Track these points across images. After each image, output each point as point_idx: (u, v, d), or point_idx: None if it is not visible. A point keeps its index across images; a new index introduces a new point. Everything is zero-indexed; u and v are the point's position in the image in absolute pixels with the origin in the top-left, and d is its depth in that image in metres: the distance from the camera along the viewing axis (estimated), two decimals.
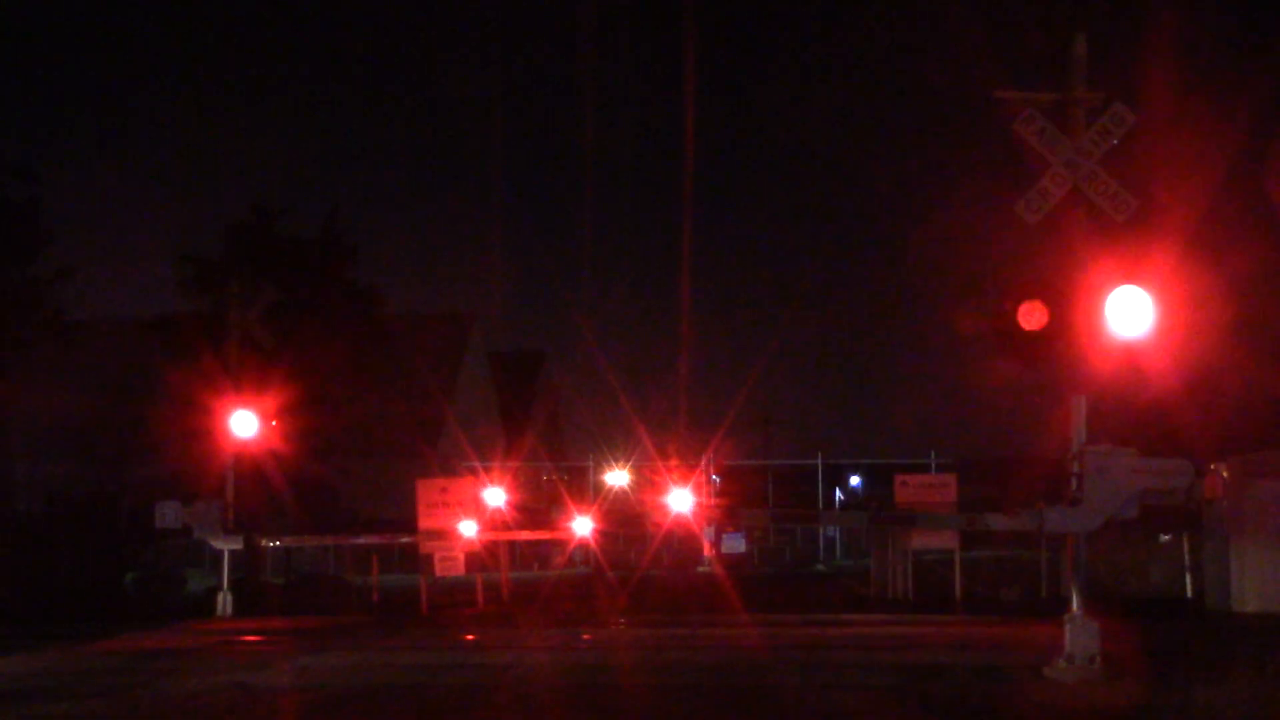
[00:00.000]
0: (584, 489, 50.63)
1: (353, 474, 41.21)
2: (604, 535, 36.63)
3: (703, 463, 48.28)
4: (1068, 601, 15.32)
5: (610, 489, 51.10)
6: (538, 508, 43.06)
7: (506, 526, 31.62)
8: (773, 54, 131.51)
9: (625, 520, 43.73)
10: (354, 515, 38.90)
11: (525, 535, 34.26)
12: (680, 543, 46.18)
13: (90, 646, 20.63)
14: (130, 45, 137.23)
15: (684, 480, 38.71)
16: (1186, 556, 26.75)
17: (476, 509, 28.98)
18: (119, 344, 43.59)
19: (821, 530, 51.09)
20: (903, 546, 28.89)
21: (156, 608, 28.82)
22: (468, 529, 28.08)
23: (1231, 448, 26.50)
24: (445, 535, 28.13)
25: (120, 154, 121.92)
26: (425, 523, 28.30)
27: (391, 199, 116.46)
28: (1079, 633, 14.86)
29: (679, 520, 32.63)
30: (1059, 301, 15.11)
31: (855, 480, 62.24)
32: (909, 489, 28.21)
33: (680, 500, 32.17)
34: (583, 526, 31.84)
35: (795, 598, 28.93)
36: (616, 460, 52.56)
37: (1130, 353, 15.63)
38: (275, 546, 33.45)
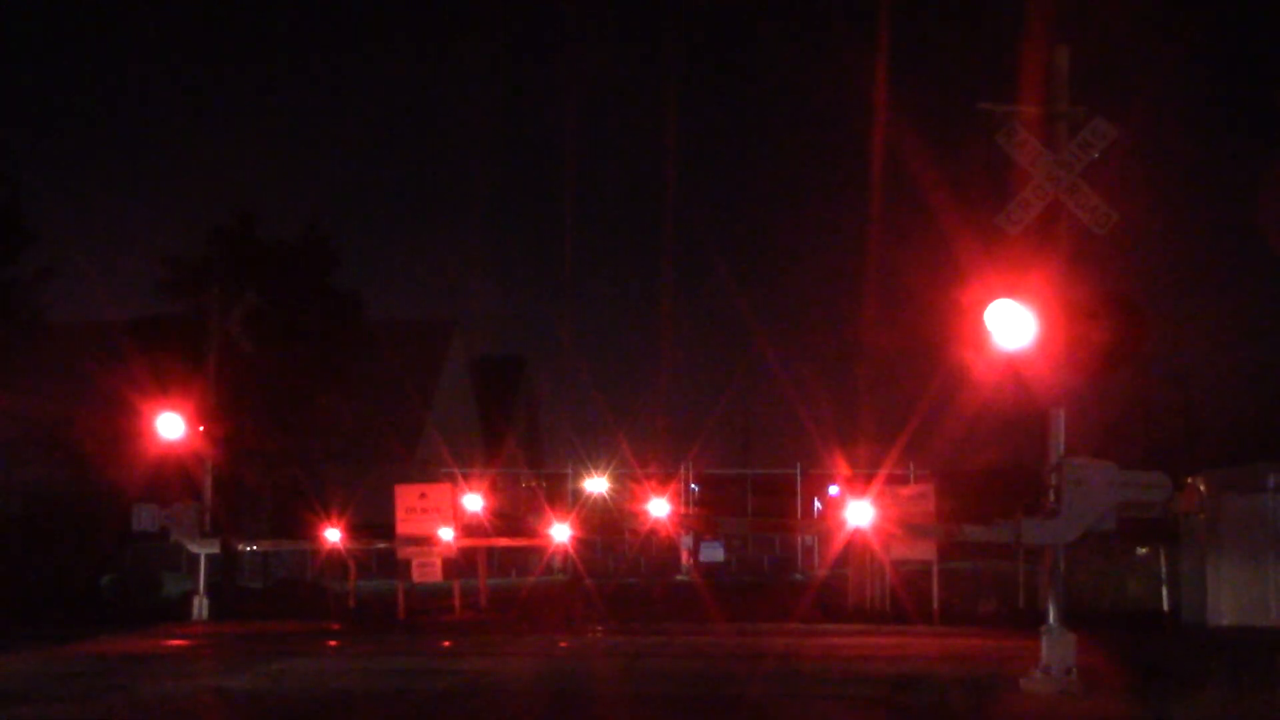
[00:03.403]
0: (563, 496, 50.54)
1: (331, 478, 41.03)
2: (582, 543, 36.53)
3: (681, 471, 48.26)
4: (1045, 613, 15.35)
5: (589, 496, 51.01)
6: (516, 514, 42.99)
7: (485, 533, 31.53)
8: (754, 65, 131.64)
9: (604, 528, 43.63)
10: (331, 520, 38.77)
11: (504, 542, 34.15)
12: (658, 550, 46.17)
13: (65, 649, 20.55)
14: (113, 47, 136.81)
15: (663, 488, 38.65)
16: (1163, 570, 26.80)
17: (455, 515, 28.90)
18: (98, 346, 43.40)
19: (800, 539, 51.04)
20: (880, 557, 28.87)
21: (132, 611, 28.72)
22: (446, 535, 28.02)
23: (1209, 462, 26.60)
24: (423, 541, 28.05)
25: (102, 156, 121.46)
26: (403, 528, 28.21)
27: (373, 204, 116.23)
28: (1056, 645, 14.88)
29: (657, 528, 32.58)
30: (1040, 315, 15.12)
31: (834, 490, 62.18)
32: (887, 500, 28.19)
33: (659, 508, 32.13)
34: (561, 534, 31.78)
35: (773, 607, 28.90)
36: (595, 467, 52.50)
37: (1108, 366, 15.65)
38: (252, 551, 33.34)
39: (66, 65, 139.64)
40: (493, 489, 42.64)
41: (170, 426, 26.77)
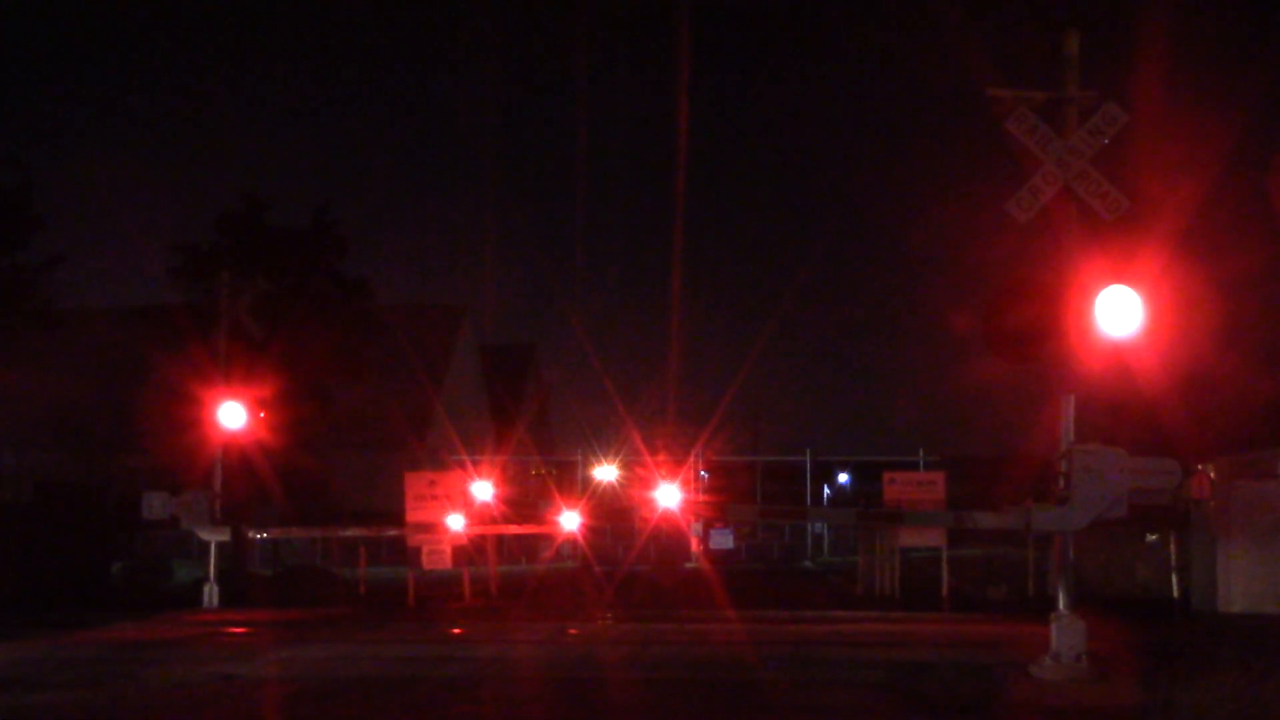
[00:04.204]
0: (572, 483, 50.57)
1: (341, 465, 41.09)
2: (592, 530, 36.60)
3: (691, 458, 48.27)
4: (1055, 600, 15.33)
5: (598, 484, 51.06)
6: (526, 502, 43.04)
7: (494, 520, 31.56)
8: (766, 49, 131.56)
9: (613, 515, 43.68)
10: (341, 507, 38.84)
11: (513, 529, 34.19)
12: (668, 538, 46.16)
13: (76, 636, 20.59)
14: (122, 33, 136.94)
15: (672, 475, 38.67)
16: (1173, 556, 26.77)
17: (465, 502, 28.92)
18: (108, 333, 43.50)
19: (809, 527, 51.09)
20: (890, 544, 28.90)
21: (143, 598, 28.79)
22: (455, 522, 28.04)
23: (1219, 448, 26.56)
24: (433, 528, 28.09)
25: (112, 142, 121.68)
26: (413, 516, 28.25)
27: (383, 190, 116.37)
28: (1066, 631, 14.86)
29: (667, 516, 32.59)
30: (1049, 300, 15.09)
31: (843, 477, 62.30)
32: (897, 486, 28.23)
33: (668, 495, 32.12)
34: (571, 521, 31.80)
35: (783, 594, 28.95)
36: (605, 455, 52.51)
37: (1119, 352, 15.63)
38: (263, 538, 33.40)
39: (76, 52, 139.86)
40: (503, 476, 42.66)
41: (181, 412, 26.92)
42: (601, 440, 53.67)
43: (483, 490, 32.01)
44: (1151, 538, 28.04)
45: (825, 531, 52.91)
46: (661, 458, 47.36)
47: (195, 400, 27.74)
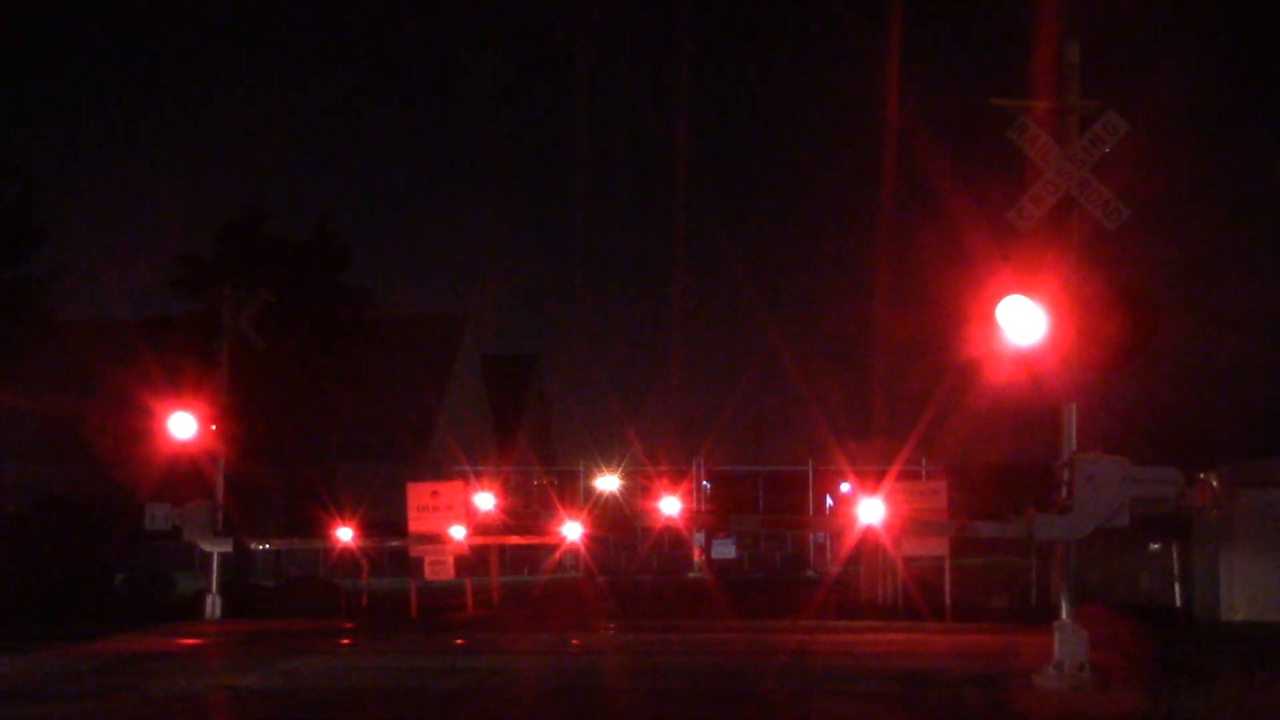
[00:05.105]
0: (574, 494, 50.53)
1: (342, 476, 41.06)
2: (594, 540, 36.55)
3: (693, 468, 48.29)
4: (1057, 609, 15.32)
5: (601, 494, 51.01)
6: (528, 512, 43.02)
7: (497, 531, 31.55)
8: (768, 58, 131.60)
9: (615, 525, 43.63)
10: (342, 517, 38.84)
11: (515, 540, 34.17)
12: (670, 548, 46.17)
13: (78, 648, 20.58)
14: (124, 44, 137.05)
15: (674, 485, 38.71)
16: (1176, 565, 26.74)
17: (467, 513, 28.91)
18: (110, 344, 43.49)
19: (812, 536, 50.95)
20: (892, 553, 28.81)
21: (146, 609, 28.75)
22: (458, 533, 28.03)
23: (1222, 456, 26.56)
24: (435, 539, 28.06)
25: (114, 154, 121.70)
26: (415, 526, 28.22)
27: (385, 201, 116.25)
28: (1068, 641, 14.85)
29: (669, 525, 32.58)
30: (1051, 311, 15.08)
31: (845, 486, 62.13)
32: (899, 496, 28.13)
33: (670, 505, 32.14)
34: (573, 531, 31.79)
35: (785, 604, 28.88)
36: (607, 465, 52.47)
37: (1120, 361, 15.60)
38: (264, 549, 33.38)
39: (77, 64, 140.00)
40: (505, 487, 42.64)
41: (182, 426, 26.85)
42: (603, 450, 53.66)
43: (485, 501, 32.03)
44: (1154, 546, 28.01)
45: (827, 541, 52.79)
46: (664, 468, 47.43)
47: (197, 412, 27.70)
